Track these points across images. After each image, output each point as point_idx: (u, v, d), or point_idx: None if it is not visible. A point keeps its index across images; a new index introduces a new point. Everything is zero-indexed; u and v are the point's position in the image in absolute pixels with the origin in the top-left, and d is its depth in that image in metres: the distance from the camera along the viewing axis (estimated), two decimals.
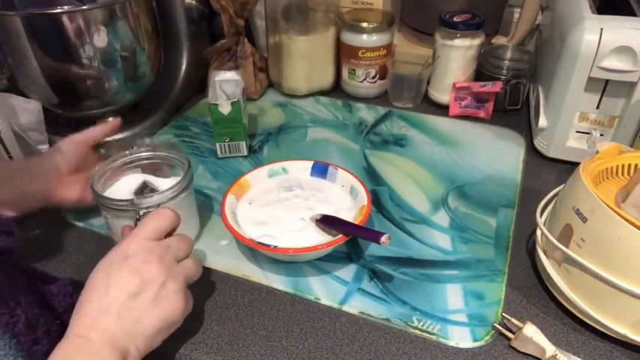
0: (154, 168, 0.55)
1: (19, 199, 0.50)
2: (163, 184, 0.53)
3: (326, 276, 0.50)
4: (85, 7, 0.61)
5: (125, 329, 0.37)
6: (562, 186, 0.48)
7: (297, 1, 0.76)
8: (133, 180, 0.54)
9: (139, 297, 0.38)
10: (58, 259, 0.53)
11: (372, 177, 0.64)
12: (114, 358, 0.35)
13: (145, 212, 0.47)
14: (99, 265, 0.39)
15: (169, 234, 0.43)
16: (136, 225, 0.47)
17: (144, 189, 0.53)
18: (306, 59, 0.79)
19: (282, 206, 0.54)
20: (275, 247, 0.48)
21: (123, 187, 0.53)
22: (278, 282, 0.50)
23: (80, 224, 0.58)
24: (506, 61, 0.75)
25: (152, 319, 0.38)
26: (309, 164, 0.59)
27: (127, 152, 0.54)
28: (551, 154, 0.66)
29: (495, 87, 0.72)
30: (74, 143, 0.55)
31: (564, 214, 0.44)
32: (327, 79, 0.84)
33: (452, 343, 0.43)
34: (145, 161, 0.55)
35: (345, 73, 0.83)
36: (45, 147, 0.69)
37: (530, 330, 0.41)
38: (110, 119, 0.64)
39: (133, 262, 0.39)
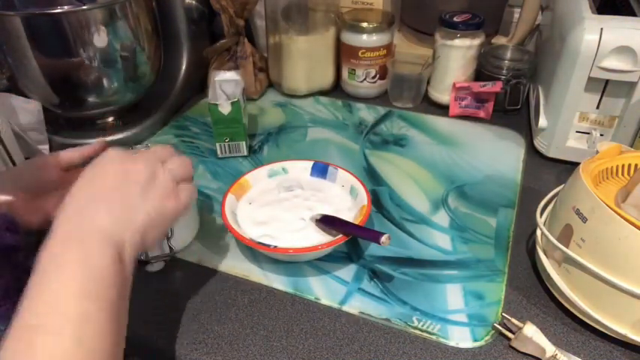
0: None
1: None
2: None
3: (326, 276, 0.50)
4: (85, 7, 0.61)
5: (116, 219, 0.35)
6: (562, 186, 0.48)
7: (297, 1, 0.76)
8: None
9: (125, 188, 0.36)
10: None
11: (372, 177, 0.64)
12: (109, 254, 0.33)
13: None
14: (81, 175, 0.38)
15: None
16: None
17: None
18: (306, 59, 0.79)
19: (282, 206, 0.54)
20: (275, 247, 0.48)
21: None
22: (278, 282, 0.50)
23: None
24: (506, 61, 0.75)
25: (142, 211, 0.37)
26: (309, 164, 0.59)
27: (129, 151, 0.54)
28: (551, 154, 0.65)
29: (495, 87, 0.72)
30: (38, 167, 0.51)
31: (564, 214, 0.44)
32: (327, 79, 0.84)
33: (452, 343, 0.43)
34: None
35: (345, 73, 0.83)
36: (45, 147, 0.69)
37: (530, 330, 0.41)
38: (97, 141, 0.63)
39: (115, 164, 0.38)
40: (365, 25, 0.77)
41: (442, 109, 0.79)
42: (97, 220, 0.35)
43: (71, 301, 0.31)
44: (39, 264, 0.32)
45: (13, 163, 0.60)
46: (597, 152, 0.47)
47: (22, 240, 0.39)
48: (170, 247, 0.51)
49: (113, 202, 0.36)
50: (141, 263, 0.52)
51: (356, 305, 0.47)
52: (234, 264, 0.52)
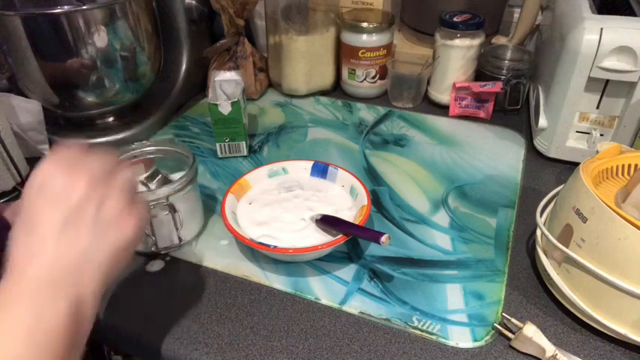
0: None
1: None
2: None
3: (326, 276, 0.50)
4: (85, 7, 0.61)
5: (67, 268, 0.31)
6: (562, 186, 0.48)
7: (297, 1, 0.76)
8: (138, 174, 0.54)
9: (73, 225, 0.31)
10: None
11: (372, 177, 0.64)
12: (62, 308, 0.30)
13: (153, 205, 0.47)
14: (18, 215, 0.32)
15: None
16: None
17: (155, 175, 0.52)
18: (306, 59, 0.79)
19: (283, 206, 0.54)
20: (275, 247, 0.48)
21: None
22: (278, 282, 0.50)
23: None
24: (506, 61, 0.75)
25: (100, 245, 0.32)
26: (309, 164, 0.59)
27: (132, 146, 0.54)
28: (551, 154, 0.66)
29: (495, 87, 0.72)
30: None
31: (564, 214, 0.44)
32: (327, 79, 0.84)
33: (452, 343, 0.43)
34: (150, 155, 0.54)
35: (345, 73, 0.83)
36: (45, 147, 0.69)
37: (530, 330, 0.41)
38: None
39: (50, 189, 0.32)
40: (365, 25, 0.77)
41: (442, 109, 0.79)
42: (49, 271, 0.31)
43: (11, 345, 0.28)
44: None
45: (13, 163, 0.60)
46: (597, 152, 0.47)
47: None
48: (179, 238, 0.51)
49: (63, 246, 0.31)
50: (141, 263, 0.52)
51: (356, 305, 0.47)
52: (234, 264, 0.52)
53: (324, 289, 0.49)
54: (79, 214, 0.32)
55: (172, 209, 0.49)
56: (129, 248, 0.35)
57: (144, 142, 0.55)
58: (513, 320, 0.43)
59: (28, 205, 0.32)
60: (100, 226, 0.32)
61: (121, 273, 0.35)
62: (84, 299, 0.31)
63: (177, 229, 0.51)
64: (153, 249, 0.51)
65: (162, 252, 0.52)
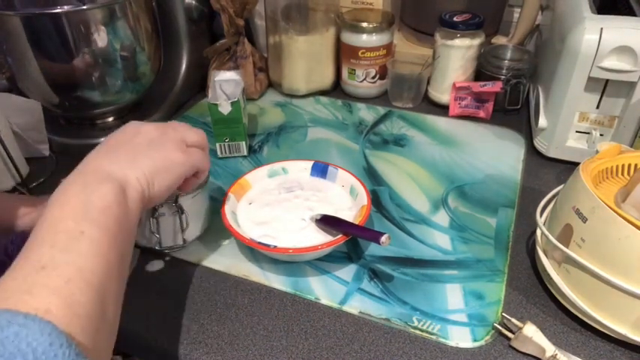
0: None
1: None
2: None
3: (326, 276, 0.50)
4: (85, 7, 0.61)
5: (118, 163, 0.38)
6: (562, 186, 0.48)
7: (297, 1, 0.76)
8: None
9: (133, 142, 0.41)
10: None
11: (372, 177, 0.64)
12: (109, 187, 0.35)
13: (162, 203, 0.48)
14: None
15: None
16: (151, 217, 0.48)
17: None
18: (306, 59, 0.79)
19: (283, 206, 0.54)
20: (275, 247, 0.48)
21: None
22: (278, 282, 0.50)
23: None
24: (506, 61, 0.75)
25: (146, 156, 0.40)
26: (309, 164, 0.59)
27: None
28: (551, 154, 0.65)
29: (495, 87, 0.72)
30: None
31: (564, 214, 0.44)
32: (327, 79, 0.84)
33: (452, 343, 0.43)
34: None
35: (345, 73, 0.83)
36: (45, 147, 0.69)
37: (530, 330, 0.41)
38: None
39: (131, 127, 0.43)
40: (365, 25, 0.77)
41: (442, 109, 0.79)
42: (100, 165, 0.38)
43: (69, 222, 0.32)
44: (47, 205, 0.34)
45: (13, 163, 0.60)
46: (597, 152, 0.47)
47: None
48: (184, 239, 0.52)
49: (119, 152, 0.40)
50: (141, 263, 0.52)
51: (356, 305, 0.47)
52: (234, 264, 0.52)
53: (324, 289, 0.49)
54: (142, 136, 0.41)
55: (180, 210, 0.50)
56: (172, 168, 0.41)
57: None
58: (513, 320, 0.43)
59: (104, 141, 0.41)
60: (153, 145, 0.41)
61: (160, 193, 0.41)
62: (127, 185, 0.37)
63: (182, 230, 0.51)
64: (157, 247, 0.51)
65: (166, 251, 0.52)
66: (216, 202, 0.60)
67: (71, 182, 0.36)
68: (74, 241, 0.31)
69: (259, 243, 0.48)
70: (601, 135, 0.62)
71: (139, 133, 0.42)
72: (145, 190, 0.39)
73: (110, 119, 0.74)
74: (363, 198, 0.53)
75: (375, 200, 0.60)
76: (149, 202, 0.40)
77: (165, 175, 0.41)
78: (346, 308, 0.47)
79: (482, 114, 0.76)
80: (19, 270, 0.29)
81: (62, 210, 0.33)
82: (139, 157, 0.39)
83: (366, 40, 0.78)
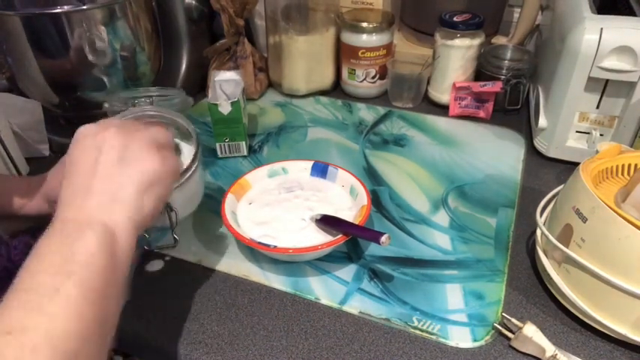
0: None
1: None
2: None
3: (326, 276, 0.50)
4: (85, 7, 0.61)
5: (98, 202, 0.34)
6: (562, 186, 0.48)
7: (297, 1, 0.76)
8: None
9: (98, 164, 0.35)
10: None
11: (372, 177, 0.64)
12: (93, 240, 0.32)
13: None
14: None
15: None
16: None
17: None
18: (306, 59, 0.79)
19: (283, 206, 0.54)
20: (275, 247, 0.48)
21: None
22: (278, 282, 0.50)
23: None
24: (506, 61, 0.75)
25: (125, 179, 0.35)
26: (309, 164, 0.59)
27: (135, 108, 0.49)
28: (551, 154, 0.65)
29: (495, 87, 0.72)
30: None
31: (564, 214, 0.44)
32: (327, 79, 0.84)
33: (452, 343, 0.43)
34: (150, 120, 0.49)
35: (345, 73, 0.83)
36: (45, 147, 0.69)
37: (530, 330, 0.41)
38: None
39: (87, 140, 0.36)
40: (365, 25, 0.77)
41: (442, 109, 0.79)
42: (80, 208, 0.34)
43: (45, 277, 0.30)
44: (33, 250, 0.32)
45: (13, 163, 0.60)
46: (597, 152, 0.47)
47: None
48: (175, 239, 0.48)
49: (93, 183, 0.35)
50: (141, 262, 0.52)
51: (356, 305, 0.47)
52: (234, 264, 0.52)
53: (324, 289, 0.49)
54: (105, 153, 0.36)
55: (168, 209, 0.45)
56: (154, 182, 0.37)
57: (145, 105, 0.53)
58: (513, 320, 0.43)
59: (68, 155, 0.37)
60: (124, 163, 0.36)
61: (155, 209, 0.37)
62: (114, 232, 0.34)
63: (172, 229, 0.47)
64: (145, 247, 0.49)
65: (156, 250, 0.51)
66: (216, 202, 0.60)
67: (51, 234, 0.32)
68: (46, 300, 0.28)
69: (259, 243, 0.48)
70: (601, 135, 0.62)
71: (101, 148, 0.36)
72: (137, 220, 0.35)
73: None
74: (363, 198, 0.53)
75: (375, 200, 0.60)
76: (144, 225, 0.37)
77: (152, 189, 0.36)
78: (346, 308, 0.47)
79: (482, 114, 0.76)
80: None
81: (39, 263, 0.31)
82: (116, 183, 0.35)
83: (366, 40, 0.78)
